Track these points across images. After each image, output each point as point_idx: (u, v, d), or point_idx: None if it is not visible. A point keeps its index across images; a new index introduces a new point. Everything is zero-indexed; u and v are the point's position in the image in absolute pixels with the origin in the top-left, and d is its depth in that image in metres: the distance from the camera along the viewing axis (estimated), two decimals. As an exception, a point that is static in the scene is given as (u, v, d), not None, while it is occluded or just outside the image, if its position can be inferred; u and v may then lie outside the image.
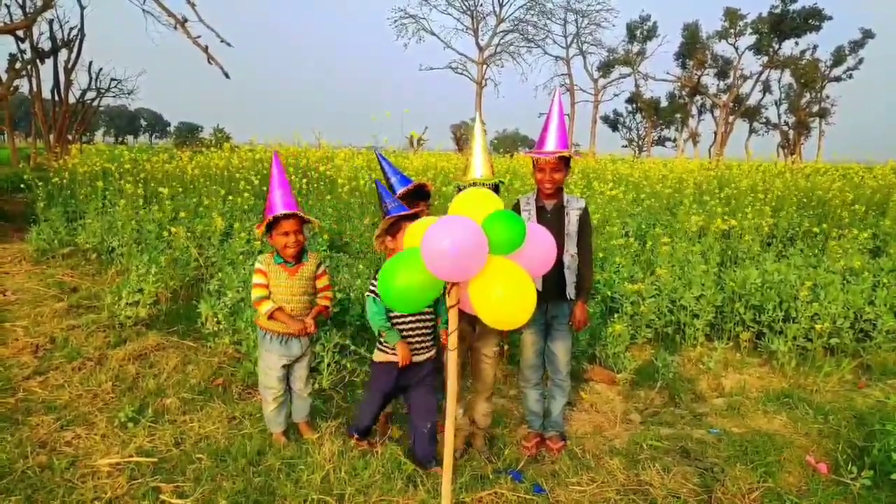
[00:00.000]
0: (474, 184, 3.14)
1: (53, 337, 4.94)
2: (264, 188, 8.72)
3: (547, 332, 3.68)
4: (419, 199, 3.48)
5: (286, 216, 3.31)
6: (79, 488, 3.04)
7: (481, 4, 41.11)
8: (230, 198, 8.38)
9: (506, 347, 4.96)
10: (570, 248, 3.52)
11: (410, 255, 2.45)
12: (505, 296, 2.40)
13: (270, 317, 3.38)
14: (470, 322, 3.36)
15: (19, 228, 9.35)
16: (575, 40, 44.64)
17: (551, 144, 3.38)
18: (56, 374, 4.34)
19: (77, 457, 3.33)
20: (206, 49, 11.16)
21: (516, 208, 3.62)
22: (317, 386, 4.22)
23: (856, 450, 3.53)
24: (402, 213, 3.12)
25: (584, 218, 3.57)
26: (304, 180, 9.81)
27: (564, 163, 3.45)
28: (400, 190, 3.41)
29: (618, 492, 3.17)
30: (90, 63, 20.77)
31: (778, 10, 39.20)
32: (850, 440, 3.63)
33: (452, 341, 2.58)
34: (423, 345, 3.35)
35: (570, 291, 3.54)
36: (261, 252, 5.24)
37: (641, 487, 3.22)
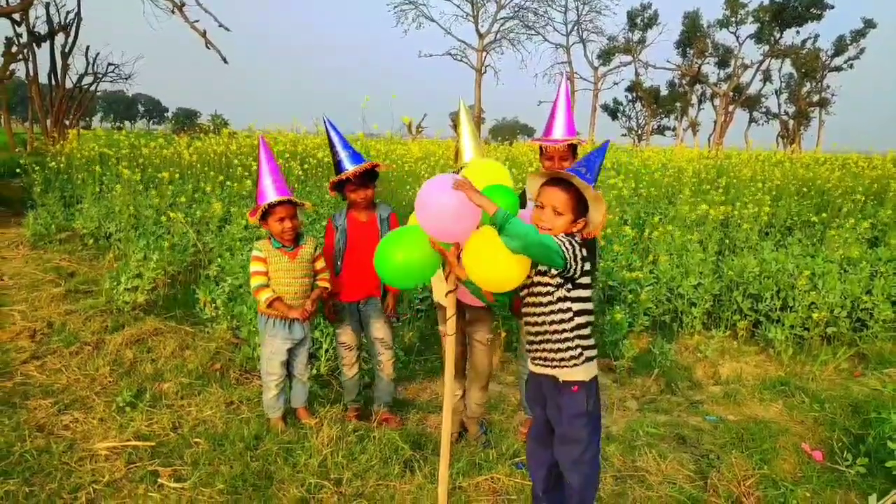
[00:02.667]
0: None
1: (51, 321, 4.94)
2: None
3: None
4: (371, 179, 3.50)
5: (279, 202, 3.31)
6: (77, 471, 3.05)
7: (481, -10, 40.80)
8: (228, 183, 8.35)
9: (503, 334, 4.97)
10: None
11: (409, 232, 2.47)
12: (498, 254, 2.34)
13: (269, 305, 3.40)
14: (459, 309, 3.35)
15: (16, 213, 9.33)
16: (575, 28, 44.44)
17: (559, 132, 3.35)
18: (53, 359, 4.34)
19: (75, 440, 3.34)
20: (203, 34, 11.11)
21: (523, 196, 3.60)
22: (314, 372, 4.23)
23: (851, 438, 3.54)
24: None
25: None
26: (304, 167, 9.78)
27: (572, 150, 3.42)
28: (350, 167, 3.34)
29: (614, 477, 3.19)
30: (87, 47, 20.45)
31: (779, -1, 38.96)
32: (845, 428, 3.65)
33: (451, 326, 2.59)
34: None
35: None
36: (258, 238, 5.23)
37: (638, 473, 3.24)
